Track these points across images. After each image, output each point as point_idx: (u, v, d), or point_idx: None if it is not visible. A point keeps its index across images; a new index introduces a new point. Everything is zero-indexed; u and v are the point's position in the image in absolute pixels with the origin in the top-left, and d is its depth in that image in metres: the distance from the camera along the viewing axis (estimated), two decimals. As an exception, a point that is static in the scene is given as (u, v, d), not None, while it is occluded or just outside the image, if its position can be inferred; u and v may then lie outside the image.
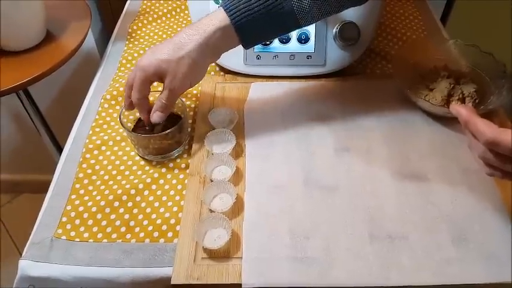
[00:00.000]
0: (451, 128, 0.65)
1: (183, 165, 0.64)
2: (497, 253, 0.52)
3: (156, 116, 0.60)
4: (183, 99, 0.65)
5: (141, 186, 0.61)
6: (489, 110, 0.64)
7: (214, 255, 0.52)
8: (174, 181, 0.62)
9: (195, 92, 0.75)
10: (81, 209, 0.59)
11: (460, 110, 0.47)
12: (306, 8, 0.56)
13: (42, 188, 0.62)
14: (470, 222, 0.55)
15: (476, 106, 0.64)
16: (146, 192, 0.60)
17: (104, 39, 1.15)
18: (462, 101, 0.64)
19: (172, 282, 0.50)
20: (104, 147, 0.66)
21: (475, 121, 0.45)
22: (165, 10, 0.93)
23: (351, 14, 0.70)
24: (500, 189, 0.58)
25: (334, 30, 0.72)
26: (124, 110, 0.63)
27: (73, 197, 0.60)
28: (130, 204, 0.59)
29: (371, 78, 0.75)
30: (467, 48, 0.71)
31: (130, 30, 0.89)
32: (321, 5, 0.57)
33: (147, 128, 0.63)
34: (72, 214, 0.58)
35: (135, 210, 0.59)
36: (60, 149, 0.77)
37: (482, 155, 0.46)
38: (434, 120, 0.66)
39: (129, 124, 0.65)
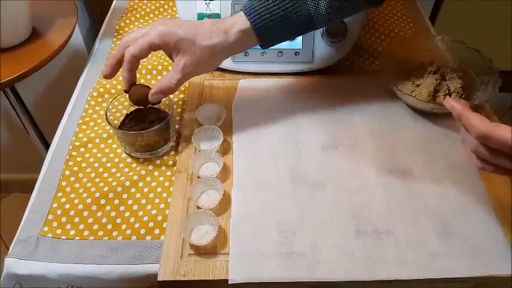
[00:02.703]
0: (437, 124, 0.65)
1: (170, 162, 0.64)
2: (482, 247, 0.52)
3: (156, 98, 0.59)
4: (171, 96, 0.64)
5: (127, 183, 0.61)
6: (475, 105, 0.64)
7: (201, 251, 0.52)
8: (161, 178, 0.62)
9: (182, 88, 0.74)
10: (67, 206, 0.58)
11: (454, 103, 0.48)
12: (323, 11, 0.58)
13: (32, 187, 0.62)
14: (455, 217, 0.55)
15: (462, 102, 0.64)
16: (133, 190, 0.60)
17: (92, 36, 1.14)
18: (448, 96, 0.64)
19: (159, 279, 0.50)
20: (90, 145, 0.66)
21: (468, 115, 0.46)
22: (152, 7, 0.93)
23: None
24: (486, 184, 0.58)
25: (321, 27, 0.72)
26: (101, 75, 0.62)
27: (59, 194, 0.60)
28: (117, 201, 0.59)
29: (358, 74, 0.75)
30: (454, 44, 0.71)
31: (117, 27, 0.88)
32: (337, 8, 0.58)
33: (124, 90, 0.62)
34: (59, 212, 0.58)
35: (122, 208, 0.58)
36: (48, 147, 0.77)
37: (475, 149, 0.46)
38: (420, 116, 0.67)
39: (115, 121, 0.65)
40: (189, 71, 0.58)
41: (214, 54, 0.58)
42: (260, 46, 0.61)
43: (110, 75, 0.60)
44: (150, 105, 0.61)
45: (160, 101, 0.61)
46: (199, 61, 0.58)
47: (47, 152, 0.67)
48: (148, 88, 0.60)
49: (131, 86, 0.61)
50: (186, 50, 0.56)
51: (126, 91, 0.62)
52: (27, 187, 0.76)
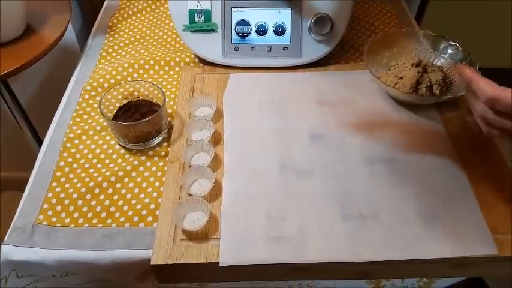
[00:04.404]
0: (419, 114, 0.68)
1: (162, 153, 0.65)
2: (463, 230, 0.54)
3: None
4: (163, 90, 0.66)
5: (121, 173, 0.62)
6: (456, 96, 0.67)
7: (193, 236, 0.54)
8: (154, 168, 0.63)
9: (174, 82, 0.76)
10: (62, 195, 0.60)
11: (464, 70, 0.49)
12: None
13: (25, 185, 0.63)
14: (437, 202, 0.57)
15: (444, 93, 0.67)
16: (126, 179, 0.62)
17: (84, 33, 1.15)
18: (430, 88, 0.67)
19: (152, 262, 0.51)
20: (84, 137, 0.68)
21: (478, 80, 0.47)
22: (144, 4, 0.95)
23: (324, 7, 0.73)
24: (467, 170, 0.61)
25: (308, 23, 0.74)
26: None
27: (54, 184, 0.61)
28: (110, 190, 0.61)
29: (345, 68, 0.78)
30: (436, 38, 0.74)
31: (110, 24, 0.90)
32: None
33: None
34: (54, 201, 0.59)
35: (116, 197, 0.60)
36: (41, 144, 0.78)
37: (482, 113, 0.47)
38: (403, 107, 0.69)
39: (108, 114, 0.66)
40: None
41: None
42: None
43: None
44: None
45: None
46: None
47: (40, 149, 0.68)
48: None
49: None
50: None
51: None
52: (21, 185, 0.75)
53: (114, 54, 0.83)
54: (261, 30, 0.76)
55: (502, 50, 1.70)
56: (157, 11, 0.94)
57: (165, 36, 0.87)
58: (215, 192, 0.59)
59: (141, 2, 0.95)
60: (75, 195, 0.60)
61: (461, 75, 0.50)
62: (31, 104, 1.20)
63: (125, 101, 0.69)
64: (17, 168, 1.43)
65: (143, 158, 0.65)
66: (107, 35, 0.87)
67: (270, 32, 0.76)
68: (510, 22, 1.63)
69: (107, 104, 0.66)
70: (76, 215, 0.58)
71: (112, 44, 0.84)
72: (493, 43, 1.66)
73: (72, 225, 0.57)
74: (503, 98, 0.44)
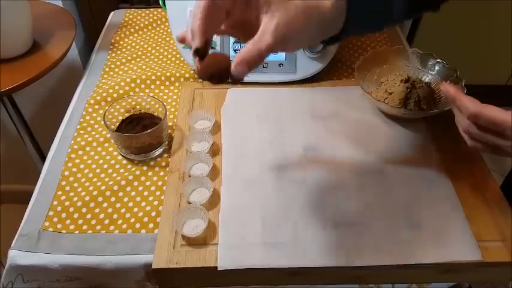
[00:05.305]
0: (407, 128, 0.72)
1: (163, 164, 0.68)
2: (449, 237, 0.57)
3: (241, 71, 0.42)
4: (164, 103, 0.69)
5: (123, 182, 0.65)
6: (442, 111, 0.71)
7: (193, 242, 0.56)
8: (155, 178, 0.66)
9: (175, 97, 0.80)
10: (67, 203, 0.63)
11: (448, 88, 0.53)
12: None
13: (24, 198, 0.65)
14: (424, 210, 0.60)
15: (431, 108, 0.71)
16: (128, 188, 0.65)
17: (87, 49, 1.19)
18: (418, 103, 0.70)
19: (154, 267, 0.54)
20: (88, 148, 0.71)
21: (461, 97, 0.50)
22: (146, 22, 0.99)
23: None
24: (453, 180, 0.64)
25: (303, 41, 0.78)
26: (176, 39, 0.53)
27: (59, 192, 0.64)
28: (113, 199, 0.63)
29: (337, 84, 0.82)
30: (424, 56, 0.78)
31: (113, 40, 0.94)
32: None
33: (195, 50, 0.45)
34: (59, 208, 0.62)
35: (118, 205, 0.63)
36: (43, 158, 0.80)
37: (467, 128, 0.51)
38: (393, 121, 0.73)
39: (112, 126, 0.70)
40: (281, 34, 0.42)
41: (307, 15, 0.44)
42: (342, 30, 0.47)
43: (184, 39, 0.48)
44: (229, 80, 0.44)
45: (242, 79, 0.43)
46: (294, 23, 0.43)
47: (42, 163, 0.71)
48: (227, 59, 0.44)
49: (206, 44, 0.44)
50: (279, 7, 0.43)
51: (197, 51, 0.44)
52: (20, 198, 0.76)
53: (116, 69, 0.86)
54: (258, 48, 0.79)
55: (487, 68, 1.77)
56: (158, 28, 0.98)
57: (165, 53, 0.91)
58: (213, 201, 0.61)
59: (142, 20, 1.00)
60: (79, 203, 0.62)
61: (446, 93, 0.54)
62: (33, 117, 1.23)
63: (127, 114, 0.72)
64: (17, 181, 1.45)
65: (145, 168, 0.68)
66: (110, 51, 0.91)
67: (266, 49, 0.79)
68: (494, 43, 1.69)
69: (110, 117, 0.70)
70: (80, 221, 0.61)
71: (115, 60, 0.88)
72: (478, 61, 1.73)
73: (77, 232, 0.60)
74: (484, 113, 0.48)
